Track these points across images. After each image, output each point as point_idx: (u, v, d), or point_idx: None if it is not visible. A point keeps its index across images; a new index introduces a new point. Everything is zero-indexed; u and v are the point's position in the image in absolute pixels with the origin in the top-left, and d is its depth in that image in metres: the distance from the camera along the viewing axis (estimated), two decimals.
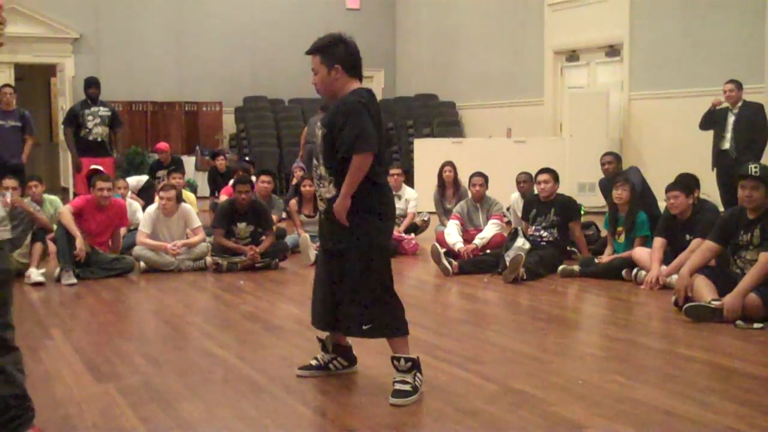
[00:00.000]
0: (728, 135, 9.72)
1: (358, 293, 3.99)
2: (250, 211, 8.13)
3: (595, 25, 13.74)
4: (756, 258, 5.57)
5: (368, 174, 3.91)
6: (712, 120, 9.86)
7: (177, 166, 11.29)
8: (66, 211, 7.62)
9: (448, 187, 9.42)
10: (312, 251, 8.27)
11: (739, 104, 9.72)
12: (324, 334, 4.37)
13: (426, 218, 9.76)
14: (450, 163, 9.43)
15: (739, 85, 9.72)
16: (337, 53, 3.99)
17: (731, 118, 9.75)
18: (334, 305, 4.12)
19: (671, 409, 3.77)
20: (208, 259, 8.01)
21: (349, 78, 4.03)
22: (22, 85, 15.43)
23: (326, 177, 4.01)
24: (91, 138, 10.35)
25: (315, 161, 4.13)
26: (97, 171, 8.83)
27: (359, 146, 3.85)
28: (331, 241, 4.08)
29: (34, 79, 17.52)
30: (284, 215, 9.72)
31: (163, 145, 12.61)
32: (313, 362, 4.40)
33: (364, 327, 4.00)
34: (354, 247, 3.98)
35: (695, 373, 4.51)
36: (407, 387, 3.94)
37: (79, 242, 7.41)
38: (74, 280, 7.23)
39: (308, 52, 4.04)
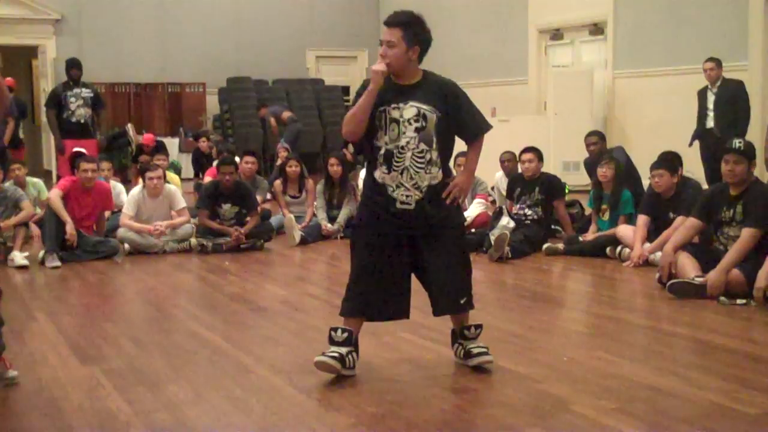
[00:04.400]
0: (711, 114, 9.75)
1: (458, 268, 4.02)
2: (235, 193, 8.11)
3: (579, 4, 13.70)
4: (739, 234, 5.59)
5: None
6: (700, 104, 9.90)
7: (159, 149, 11.25)
8: (55, 196, 7.53)
9: None
10: (297, 232, 8.26)
11: (719, 83, 9.73)
12: (358, 327, 4.03)
13: None
14: None
15: (718, 63, 9.72)
16: (420, 35, 3.89)
17: (711, 97, 9.77)
18: (409, 291, 4.05)
19: (656, 385, 3.80)
20: (193, 240, 7.98)
21: (417, 63, 3.95)
22: (3, 68, 15.27)
23: (436, 162, 3.93)
24: (74, 120, 10.30)
25: (408, 148, 3.87)
26: (80, 154, 8.77)
27: (486, 126, 4.06)
28: (430, 222, 3.94)
29: (15, 61, 17.33)
30: (269, 196, 9.70)
31: (148, 138, 12.59)
32: (336, 355, 3.92)
33: (461, 301, 4.03)
34: (457, 223, 4.11)
35: (679, 349, 4.55)
36: (485, 349, 4.07)
37: (70, 227, 7.36)
38: (58, 263, 7.19)
39: (390, 24, 3.86)
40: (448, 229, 4.00)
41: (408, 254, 3.99)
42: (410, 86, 3.95)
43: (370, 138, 3.95)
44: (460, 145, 4.15)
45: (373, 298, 3.97)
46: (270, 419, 3.52)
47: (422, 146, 3.89)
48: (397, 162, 3.89)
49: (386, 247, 3.95)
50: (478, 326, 4.13)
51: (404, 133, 3.88)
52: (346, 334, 3.95)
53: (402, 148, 3.89)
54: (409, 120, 3.89)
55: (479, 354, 4.06)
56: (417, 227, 3.96)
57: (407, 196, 3.91)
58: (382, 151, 3.91)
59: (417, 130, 3.88)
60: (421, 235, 3.97)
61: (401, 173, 3.90)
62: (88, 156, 8.28)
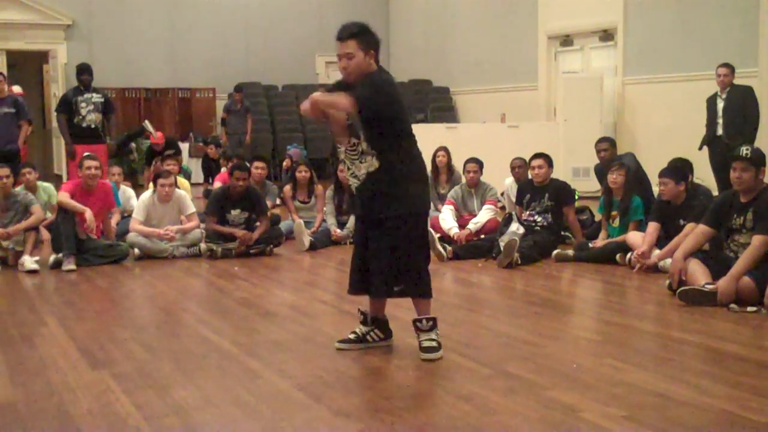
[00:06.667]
0: (720, 120, 9.72)
1: (391, 256, 4.28)
2: (245, 198, 8.11)
3: (589, 10, 13.70)
4: (749, 241, 5.58)
5: (403, 145, 4.30)
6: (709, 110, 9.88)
7: (171, 147, 11.31)
8: (63, 196, 7.54)
9: (441, 172, 9.39)
10: (306, 237, 8.27)
11: (728, 89, 9.70)
12: (365, 307, 4.59)
13: None
14: (443, 148, 9.39)
15: (732, 69, 9.70)
16: (372, 40, 4.30)
17: (720, 104, 9.74)
18: (366, 270, 4.41)
19: (665, 393, 3.78)
20: (202, 245, 7.98)
21: (375, 64, 4.35)
22: (14, 72, 15.36)
23: (369, 151, 4.25)
24: (84, 125, 10.32)
25: (345, 142, 4.32)
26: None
27: (362, 101, 4.17)
28: (370, 210, 4.34)
29: (27, 66, 17.43)
30: (278, 201, 9.71)
31: (158, 137, 12.63)
32: (352, 336, 4.60)
33: (395, 288, 4.34)
34: (396, 214, 4.27)
35: (689, 356, 4.53)
36: (434, 343, 4.33)
37: (89, 214, 7.38)
38: (74, 266, 7.20)
39: (343, 38, 4.25)
40: (386, 218, 4.28)
41: (365, 237, 4.42)
42: (352, 87, 4.31)
43: None
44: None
45: (350, 273, 4.57)
46: (279, 425, 3.52)
47: (353, 140, 4.30)
48: (340, 156, 4.45)
49: (358, 231, 4.55)
50: (431, 319, 4.38)
51: None
52: (362, 317, 4.57)
53: (339, 143, 4.40)
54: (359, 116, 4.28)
55: (428, 349, 4.31)
56: (365, 214, 4.40)
57: (351, 185, 4.43)
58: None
59: (347, 126, 4.28)
60: (369, 222, 4.38)
61: (345, 166, 4.43)
62: (92, 154, 8.21)
